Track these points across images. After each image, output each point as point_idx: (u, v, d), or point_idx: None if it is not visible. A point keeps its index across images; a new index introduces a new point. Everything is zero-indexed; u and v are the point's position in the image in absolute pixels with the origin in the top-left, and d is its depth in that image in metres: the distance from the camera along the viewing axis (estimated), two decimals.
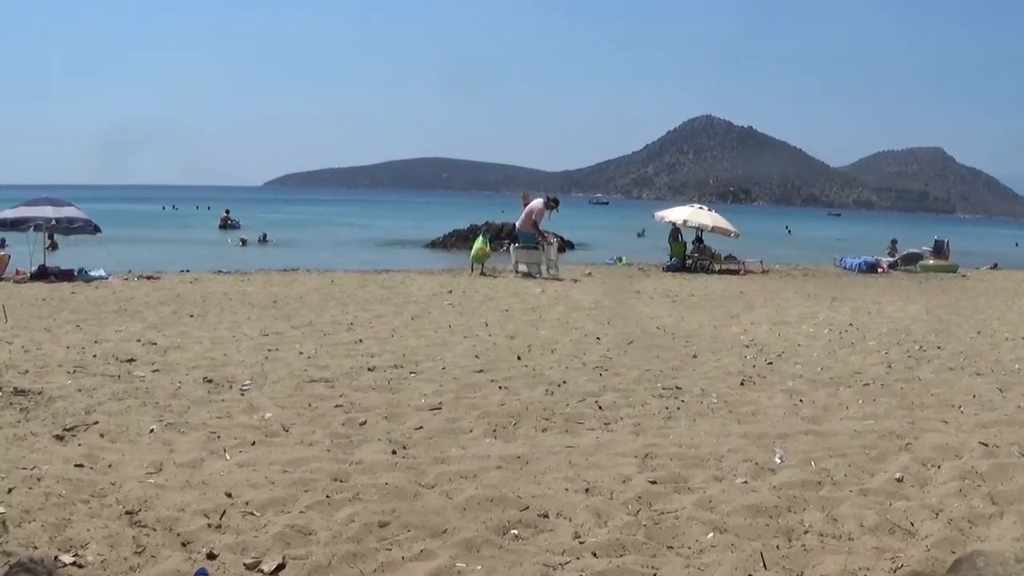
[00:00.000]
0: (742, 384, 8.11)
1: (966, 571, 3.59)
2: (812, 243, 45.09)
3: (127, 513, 4.45)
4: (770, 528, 4.52)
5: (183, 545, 4.12)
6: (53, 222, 17.82)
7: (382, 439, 5.97)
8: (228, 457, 5.47)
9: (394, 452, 5.68)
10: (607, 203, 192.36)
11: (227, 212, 43.19)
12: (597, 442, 6.04)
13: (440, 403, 7.01)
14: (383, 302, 14.05)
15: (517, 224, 21.63)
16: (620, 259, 25.39)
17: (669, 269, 22.75)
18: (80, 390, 7.07)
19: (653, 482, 5.19)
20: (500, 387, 7.68)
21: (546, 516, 4.63)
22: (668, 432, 6.36)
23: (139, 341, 9.59)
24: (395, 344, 9.89)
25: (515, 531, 4.42)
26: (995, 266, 30.12)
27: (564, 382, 7.96)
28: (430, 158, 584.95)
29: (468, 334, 10.75)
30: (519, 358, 9.13)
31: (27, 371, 7.79)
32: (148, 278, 16.94)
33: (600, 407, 7.06)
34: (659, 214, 24.93)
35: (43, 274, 16.70)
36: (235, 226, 41.12)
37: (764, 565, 4.06)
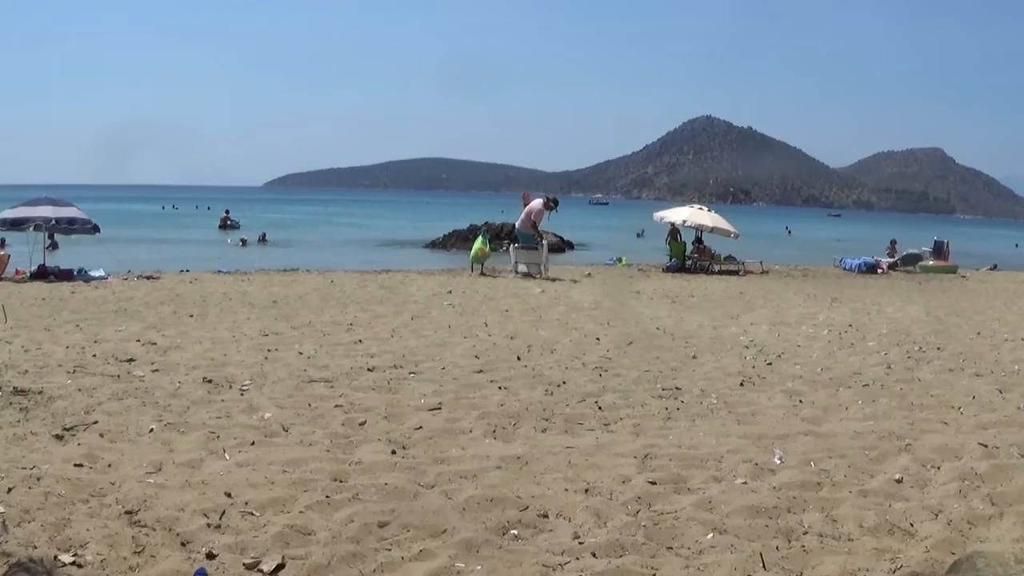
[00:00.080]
0: (742, 385, 8.11)
1: (965, 572, 3.59)
2: (812, 244, 45.11)
3: (127, 513, 4.45)
4: (770, 529, 4.52)
5: (182, 545, 4.12)
6: (53, 222, 17.82)
7: (382, 439, 5.97)
8: (228, 457, 5.47)
9: (394, 452, 5.68)
10: (607, 203, 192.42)
11: (227, 212, 43.19)
12: (597, 442, 6.04)
13: (440, 403, 7.01)
14: (383, 302, 14.05)
15: (517, 224, 21.64)
16: (620, 260, 25.39)
17: (669, 270, 22.75)
18: (80, 390, 7.07)
19: (653, 483, 5.19)
20: (500, 387, 7.68)
21: (546, 516, 4.63)
22: (668, 433, 6.36)
23: (139, 341, 9.59)
24: (395, 344, 9.89)
25: (515, 531, 4.42)
26: (995, 267, 30.13)
27: (564, 382, 7.96)
28: (430, 158, 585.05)
29: (468, 334, 10.75)
30: (519, 358, 9.14)
31: (27, 371, 7.79)
32: (148, 278, 16.94)
33: (600, 408, 7.06)
34: (659, 215, 24.93)
35: (43, 274, 16.70)
36: (235, 226, 41.13)
37: (764, 566, 4.06)
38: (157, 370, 8.05)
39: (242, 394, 7.19)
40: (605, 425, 6.55)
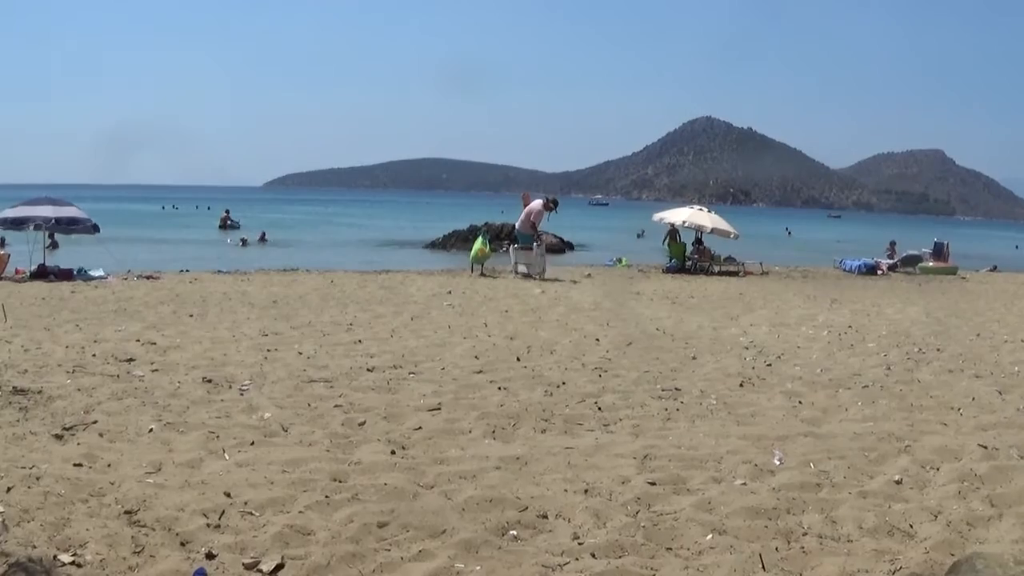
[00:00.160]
0: (741, 386, 8.12)
1: (965, 573, 3.59)
2: (812, 245, 45.10)
3: (126, 513, 4.45)
4: (769, 530, 4.52)
5: (182, 545, 4.12)
6: (53, 221, 17.82)
7: (381, 439, 5.97)
8: (227, 457, 5.47)
9: (393, 452, 5.68)
10: (607, 204, 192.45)
11: (227, 212, 43.18)
12: (596, 443, 6.04)
13: (439, 404, 7.01)
14: (383, 302, 14.05)
15: (516, 225, 21.65)
16: (620, 260, 25.39)
17: (669, 270, 22.76)
18: (79, 389, 7.07)
19: (652, 483, 5.19)
20: (499, 388, 7.68)
21: (545, 517, 4.63)
22: (667, 433, 6.36)
23: (138, 341, 9.59)
24: (394, 344, 9.89)
25: (514, 532, 4.42)
26: (995, 268, 30.13)
27: (563, 383, 7.96)
28: (430, 158, 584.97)
29: (467, 335, 10.75)
30: (518, 359, 9.14)
31: (26, 370, 7.79)
32: (148, 278, 16.94)
33: (599, 408, 7.06)
34: (658, 215, 24.95)
35: (43, 273, 16.71)
36: (235, 226, 41.12)
37: (763, 567, 4.06)
38: (157, 370, 8.05)
39: (242, 394, 7.19)
40: (605, 426, 6.55)
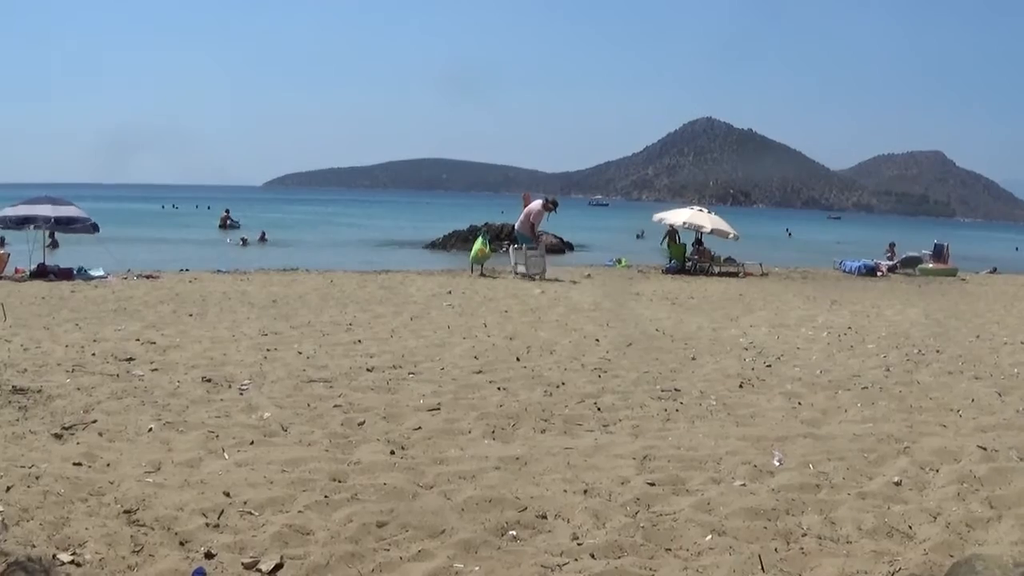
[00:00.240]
0: (741, 386, 8.12)
1: (964, 575, 3.59)
2: (812, 246, 45.09)
3: (125, 512, 4.45)
4: (768, 531, 4.52)
5: (181, 544, 4.12)
6: (52, 221, 17.82)
7: (380, 439, 5.97)
8: (227, 456, 5.47)
9: (392, 452, 5.68)
10: (607, 205, 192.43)
11: (227, 212, 43.17)
12: (596, 444, 6.04)
13: (439, 404, 7.01)
14: (382, 302, 14.05)
15: (516, 225, 21.64)
16: (619, 261, 25.38)
17: (668, 271, 22.75)
18: (79, 389, 7.07)
19: (651, 484, 5.19)
20: (499, 388, 7.68)
21: (544, 517, 4.63)
22: (667, 434, 6.36)
23: (138, 340, 9.59)
24: (394, 345, 9.89)
25: (513, 532, 4.42)
26: (994, 270, 30.13)
27: (563, 383, 7.96)
28: (430, 159, 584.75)
29: (467, 335, 10.75)
30: (518, 359, 9.14)
31: (26, 369, 7.79)
32: (147, 277, 16.94)
33: (599, 409, 7.06)
34: (658, 216, 24.95)
35: (42, 272, 16.70)
36: (235, 226, 41.11)
37: (762, 568, 4.06)
38: (156, 369, 8.05)
39: (241, 394, 7.19)
40: (604, 426, 6.56)
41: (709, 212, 24.89)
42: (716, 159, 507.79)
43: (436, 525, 4.44)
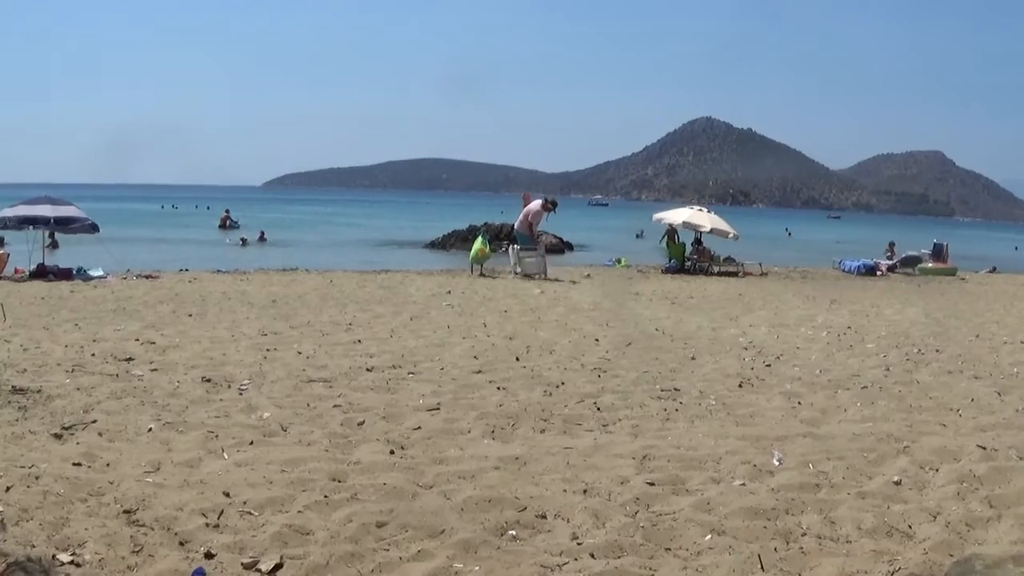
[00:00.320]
0: (740, 386, 8.12)
1: (964, 574, 3.59)
2: (811, 245, 45.10)
3: (125, 512, 4.45)
4: (768, 530, 4.52)
5: (181, 544, 4.12)
6: (52, 221, 17.81)
7: (380, 439, 5.97)
8: (226, 456, 5.47)
9: (392, 452, 5.68)
10: (606, 204, 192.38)
11: (227, 212, 43.17)
12: (595, 443, 6.04)
13: (438, 404, 7.01)
14: (382, 302, 14.05)
15: (515, 225, 21.63)
16: (619, 260, 25.38)
17: (668, 271, 22.76)
18: (78, 389, 7.07)
19: (651, 484, 5.19)
20: (498, 388, 7.68)
21: (544, 517, 4.63)
22: (666, 434, 6.36)
23: (138, 340, 9.59)
24: (394, 344, 9.89)
25: (513, 532, 4.42)
26: (994, 270, 30.13)
27: (562, 383, 7.96)
28: (429, 159, 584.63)
29: (467, 335, 10.75)
30: (518, 359, 9.14)
31: (26, 370, 7.79)
32: (147, 277, 16.94)
33: (598, 408, 7.06)
34: (658, 216, 24.96)
35: (42, 273, 16.69)
36: (235, 226, 41.09)
37: (762, 567, 4.06)
38: (156, 369, 8.05)
39: (241, 394, 7.19)
40: (604, 426, 6.56)
41: (708, 212, 24.91)
42: (716, 159, 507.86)
43: (436, 525, 4.44)
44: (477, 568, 4.00)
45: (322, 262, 23.31)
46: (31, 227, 17.37)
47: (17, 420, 6.06)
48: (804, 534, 4.50)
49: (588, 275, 21.05)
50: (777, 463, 5.67)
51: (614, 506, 4.82)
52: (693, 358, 9.57)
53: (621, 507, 4.80)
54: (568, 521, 4.59)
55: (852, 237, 57.77)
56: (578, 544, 4.28)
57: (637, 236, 39.95)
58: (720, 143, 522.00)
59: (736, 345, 10.60)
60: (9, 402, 6.52)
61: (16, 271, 17.03)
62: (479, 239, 21.11)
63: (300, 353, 9.11)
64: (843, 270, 25.32)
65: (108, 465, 5.20)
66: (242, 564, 3.92)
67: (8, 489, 4.61)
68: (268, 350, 9.22)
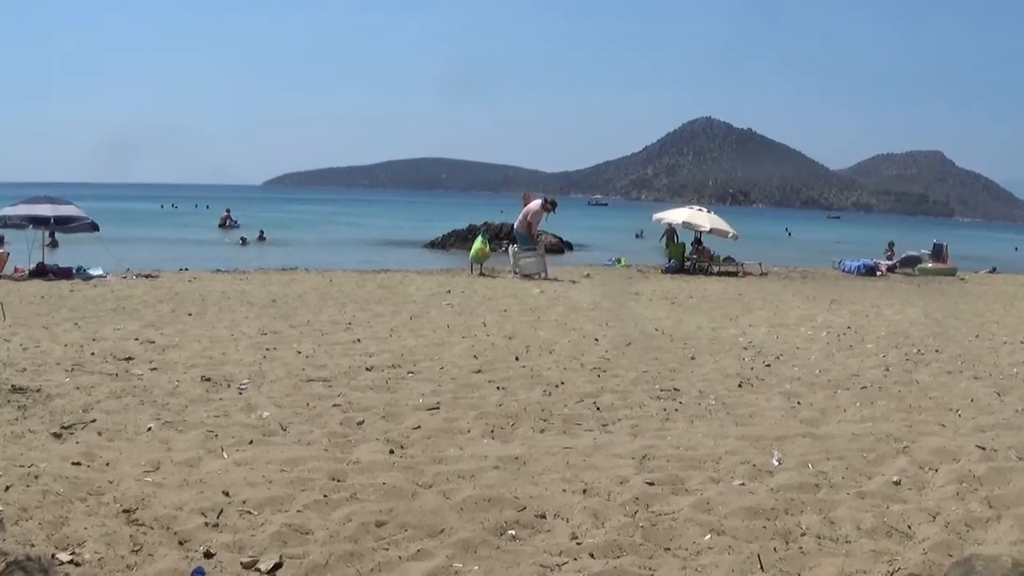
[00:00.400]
0: (740, 386, 8.12)
1: (963, 575, 3.59)
2: (811, 245, 45.10)
3: (124, 511, 4.45)
4: (767, 530, 4.52)
5: (180, 544, 4.11)
6: (52, 220, 17.81)
7: (380, 439, 5.97)
8: (226, 456, 5.47)
9: (392, 452, 5.68)
10: (606, 204, 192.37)
11: (228, 212, 43.18)
12: (595, 443, 6.04)
13: (438, 403, 7.01)
14: (381, 302, 14.05)
15: (515, 225, 21.63)
16: (619, 260, 25.39)
17: (668, 271, 22.76)
18: (78, 388, 7.07)
19: (651, 483, 5.19)
20: (498, 387, 7.68)
21: (543, 517, 4.63)
22: (666, 434, 6.36)
23: (137, 339, 9.59)
24: (393, 344, 9.89)
25: (512, 531, 4.42)
26: (994, 270, 30.14)
27: (562, 383, 7.96)
28: (429, 158, 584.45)
29: (466, 334, 10.75)
30: (517, 359, 9.14)
31: (25, 369, 7.79)
32: (147, 276, 16.94)
33: (598, 408, 7.06)
34: (657, 216, 24.96)
35: (42, 272, 16.69)
36: (235, 225, 41.10)
37: (761, 567, 4.06)
38: (155, 369, 8.05)
39: (240, 393, 7.19)
40: (603, 426, 6.56)
41: (708, 212, 24.91)
42: (715, 159, 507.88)
43: (435, 524, 4.44)
44: (476, 568, 4.00)
45: (322, 261, 23.31)
46: (31, 226, 17.36)
47: (16, 419, 6.06)
48: (803, 534, 4.50)
49: (588, 275, 21.05)
50: (776, 463, 5.68)
51: (613, 506, 4.82)
52: (693, 358, 9.57)
53: (620, 507, 4.80)
54: (567, 521, 4.59)
55: (852, 237, 57.79)
56: (577, 544, 4.28)
57: (637, 236, 39.96)
58: (720, 143, 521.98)
59: (736, 345, 10.60)
60: (8, 401, 6.52)
61: (16, 270, 17.02)
62: (479, 239, 21.12)
63: (300, 352, 9.11)
64: (843, 270, 25.32)
65: (107, 464, 5.20)
66: (241, 563, 3.92)
67: (7, 488, 4.61)
68: (268, 349, 9.22)
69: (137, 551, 4.00)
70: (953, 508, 4.90)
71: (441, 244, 33.32)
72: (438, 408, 6.86)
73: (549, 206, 21.21)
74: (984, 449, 6.08)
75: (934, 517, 4.76)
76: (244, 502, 4.64)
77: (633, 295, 16.78)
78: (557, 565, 4.04)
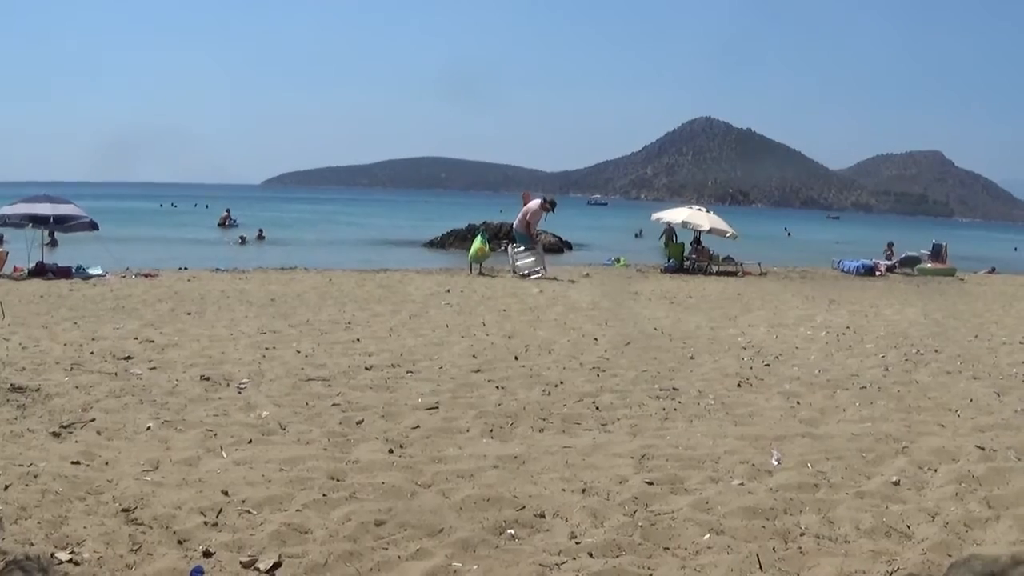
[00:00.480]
0: (739, 386, 8.12)
1: (962, 575, 3.59)
2: (810, 245, 45.10)
3: (123, 511, 4.45)
4: (766, 530, 4.52)
5: (179, 543, 4.11)
6: (51, 219, 17.80)
7: (379, 438, 5.97)
8: (225, 455, 5.47)
9: (391, 451, 5.68)
10: (606, 204, 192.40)
11: (228, 211, 43.19)
12: (594, 443, 6.04)
13: (437, 403, 7.01)
14: (381, 301, 14.05)
15: (514, 224, 21.62)
16: (618, 260, 25.39)
17: (667, 270, 22.77)
18: (77, 387, 7.07)
19: (650, 483, 5.19)
20: (497, 387, 7.68)
21: (542, 516, 4.63)
22: (665, 433, 6.37)
23: (136, 339, 9.59)
24: (393, 343, 9.89)
25: (511, 531, 4.42)
26: (993, 270, 30.15)
27: (561, 382, 7.96)
28: (429, 157, 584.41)
29: (466, 334, 10.75)
30: (516, 358, 9.14)
31: (24, 368, 7.78)
32: (146, 276, 16.93)
33: (597, 408, 7.06)
34: (657, 215, 24.96)
35: (41, 271, 16.69)
36: (234, 225, 41.11)
37: (760, 567, 4.06)
38: (155, 368, 8.05)
39: (240, 392, 7.19)
40: (602, 425, 6.56)
41: (707, 211, 24.92)
42: (715, 158, 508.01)
43: (434, 524, 4.44)
44: (475, 567, 4.00)
45: (321, 261, 23.30)
46: (30, 225, 17.36)
47: (16, 418, 6.06)
48: (802, 534, 4.50)
49: (587, 274, 21.05)
50: (776, 463, 5.68)
51: (612, 505, 4.82)
52: (692, 358, 9.57)
53: (619, 506, 4.80)
54: (566, 520, 4.59)
55: (851, 237, 57.81)
56: (576, 543, 4.28)
57: (636, 235, 39.99)
58: (719, 143, 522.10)
59: (735, 345, 10.60)
60: (8, 400, 6.51)
61: (15, 269, 17.02)
62: (478, 238, 21.12)
63: (299, 352, 9.11)
64: (842, 270, 25.32)
65: (107, 464, 5.20)
66: (240, 563, 3.92)
67: (7, 487, 4.61)
68: (267, 349, 9.22)
69: (136, 550, 4.00)
70: (952, 508, 4.90)
71: (440, 244, 33.32)
72: (437, 407, 6.86)
73: (548, 206, 21.21)
74: (983, 449, 6.08)
75: (933, 517, 4.76)
76: (243, 501, 4.64)
77: (632, 295, 16.78)
78: (556, 564, 4.04)
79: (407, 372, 8.24)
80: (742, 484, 5.24)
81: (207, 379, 7.59)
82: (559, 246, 32.49)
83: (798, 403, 7.48)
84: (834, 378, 8.63)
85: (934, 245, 27.61)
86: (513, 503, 4.77)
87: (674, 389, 7.83)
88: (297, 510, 4.57)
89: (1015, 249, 52.63)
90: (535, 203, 20.92)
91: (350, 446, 5.78)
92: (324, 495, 4.78)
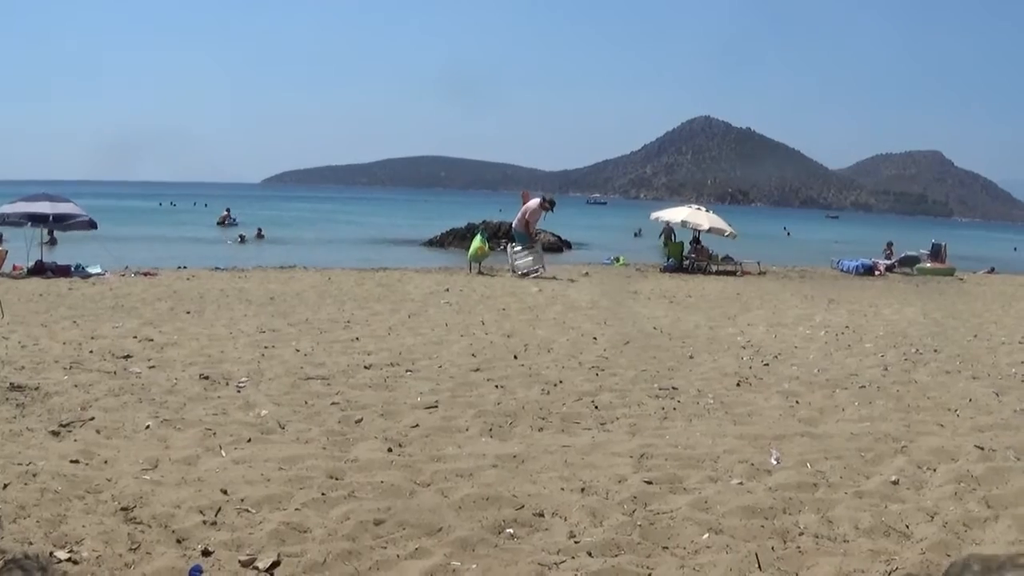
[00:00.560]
0: (738, 385, 8.12)
1: (961, 575, 3.60)
2: (810, 245, 45.09)
3: (122, 509, 4.45)
4: (765, 529, 4.52)
5: (178, 542, 4.11)
6: (50, 218, 17.80)
7: (378, 437, 5.96)
8: (224, 454, 5.47)
9: (390, 450, 5.68)
10: (605, 203, 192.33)
11: (228, 211, 43.18)
12: (593, 442, 6.04)
13: (436, 401, 7.01)
14: (380, 300, 14.05)
15: (513, 224, 21.62)
16: (617, 259, 25.39)
17: (666, 270, 22.77)
18: (76, 386, 7.06)
19: (649, 482, 5.19)
20: (496, 386, 7.68)
21: (541, 515, 4.63)
22: (664, 432, 6.37)
23: (136, 337, 9.58)
24: (392, 342, 9.88)
25: (510, 530, 4.42)
26: (992, 270, 30.15)
27: (560, 382, 7.96)
28: (428, 156, 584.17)
29: (465, 333, 10.75)
30: (516, 357, 9.14)
31: (23, 367, 7.78)
32: (145, 274, 16.93)
33: (596, 407, 7.06)
34: (656, 214, 24.96)
35: (40, 270, 16.69)
36: (234, 224, 41.10)
37: (759, 566, 4.06)
38: (154, 367, 8.04)
39: (239, 391, 7.18)
40: (601, 424, 6.56)
41: (707, 211, 24.92)
42: (714, 158, 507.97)
43: (433, 523, 4.44)
44: (474, 566, 4.00)
45: (320, 260, 23.31)
46: (30, 223, 17.35)
47: (15, 417, 6.06)
48: (801, 533, 4.50)
49: (586, 273, 21.06)
50: (775, 462, 5.68)
51: (611, 504, 4.82)
52: (691, 357, 9.57)
53: (618, 505, 4.80)
54: (566, 519, 4.59)
55: (850, 237, 57.76)
56: (575, 542, 4.28)
57: (635, 235, 39.97)
58: (719, 142, 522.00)
59: (734, 344, 10.60)
60: (7, 399, 6.51)
61: (14, 268, 17.02)
62: (477, 237, 21.11)
63: (298, 351, 9.11)
64: (841, 270, 25.32)
65: (106, 462, 5.20)
66: (239, 562, 3.92)
67: (6, 486, 4.60)
68: (266, 347, 9.21)
69: (135, 549, 4.00)
70: (951, 508, 4.90)
71: (440, 242, 33.31)
72: (436, 406, 6.86)
73: (547, 205, 21.20)
74: (982, 449, 6.08)
75: (932, 517, 4.76)
76: (242, 500, 4.64)
77: (631, 294, 16.78)
78: (555, 564, 4.04)
79: (406, 371, 8.24)
80: (741, 483, 5.24)
81: (206, 378, 7.59)
82: (558, 245, 32.48)
83: (797, 402, 7.48)
84: (833, 378, 8.63)
85: (933, 245, 27.61)
86: (512, 502, 4.77)
87: (673, 388, 7.83)
88: (296, 509, 4.57)
89: (1014, 249, 52.62)
90: (534, 202, 20.92)
91: (349, 445, 5.78)
92: (323, 494, 4.78)
